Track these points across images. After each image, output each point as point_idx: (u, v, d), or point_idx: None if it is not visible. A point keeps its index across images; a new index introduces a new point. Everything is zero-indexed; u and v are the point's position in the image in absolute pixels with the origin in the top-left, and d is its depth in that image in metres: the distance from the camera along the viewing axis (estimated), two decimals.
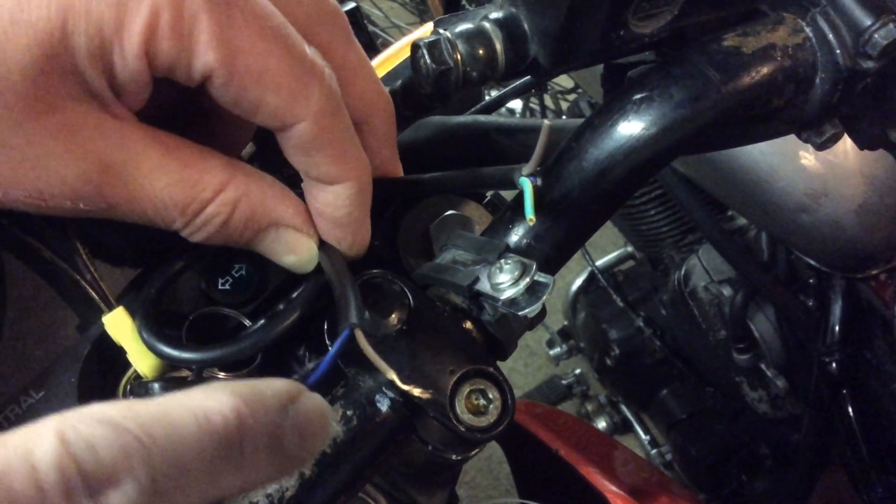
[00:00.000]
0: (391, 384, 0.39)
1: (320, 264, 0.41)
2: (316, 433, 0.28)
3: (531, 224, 0.37)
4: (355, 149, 0.39)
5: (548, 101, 1.98)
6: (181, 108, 0.41)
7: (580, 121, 0.43)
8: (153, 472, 0.22)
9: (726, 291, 1.40)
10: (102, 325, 0.42)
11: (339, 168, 0.38)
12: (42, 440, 0.21)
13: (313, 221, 0.40)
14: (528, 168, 0.36)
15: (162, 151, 0.35)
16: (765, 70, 0.41)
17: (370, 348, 0.36)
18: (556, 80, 1.98)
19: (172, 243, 0.41)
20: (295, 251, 0.40)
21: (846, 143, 0.97)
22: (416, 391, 0.36)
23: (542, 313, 0.42)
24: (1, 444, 0.21)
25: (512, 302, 0.38)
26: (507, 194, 0.48)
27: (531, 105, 1.91)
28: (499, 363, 0.41)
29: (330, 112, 0.36)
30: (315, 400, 0.28)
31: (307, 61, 0.35)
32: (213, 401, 0.25)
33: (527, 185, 0.36)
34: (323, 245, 0.41)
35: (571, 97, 2.05)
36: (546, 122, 0.35)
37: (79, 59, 0.31)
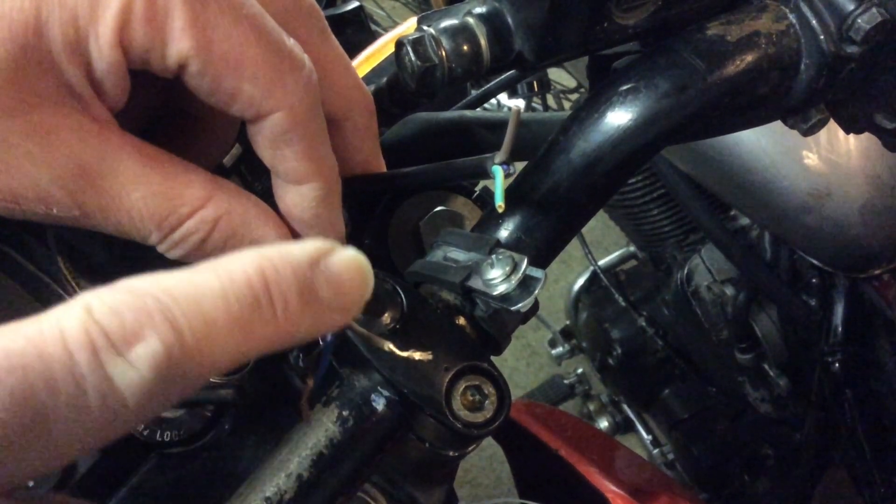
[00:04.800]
0: (386, 382, 0.38)
1: None
2: (353, 285, 0.29)
3: (500, 211, 0.37)
4: (325, 148, 0.38)
5: (550, 100, 1.98)
6: (161, 116, 0.41)
7: (566, 113, 0.44)
8: (176, 324, 0.24)
9: (729, 291, 1.40)
10: None
11: (306, 166, 0.37)
12: (71, 311, 0.23)
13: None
14: (499, 156, 0.36)
15: (142, 161, 0.34)
16: (749, 58, 0.41)
17: (360, 328, 0.36)
18: (558, 79, 1.98)
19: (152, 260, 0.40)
20: None
21: (849, 143, 0.98)
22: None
23: (535, 307, 0.42)
24: (37, 320, 0.23)
25: (504, 297, 0.37)
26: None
27: (534, 105, 1.90)
28: (501, 362, 0.41)
29: (307, 105, 0.36)
30: (349, 254, 0.29)
31: (286, 50, 0.35)
32: (236, 260, 0.26)
33: (498, 172, 0.36)
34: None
35: (574, 97, 2.04)
36: (514, 108, 0.36)
37: (55, 51, 0.31)
